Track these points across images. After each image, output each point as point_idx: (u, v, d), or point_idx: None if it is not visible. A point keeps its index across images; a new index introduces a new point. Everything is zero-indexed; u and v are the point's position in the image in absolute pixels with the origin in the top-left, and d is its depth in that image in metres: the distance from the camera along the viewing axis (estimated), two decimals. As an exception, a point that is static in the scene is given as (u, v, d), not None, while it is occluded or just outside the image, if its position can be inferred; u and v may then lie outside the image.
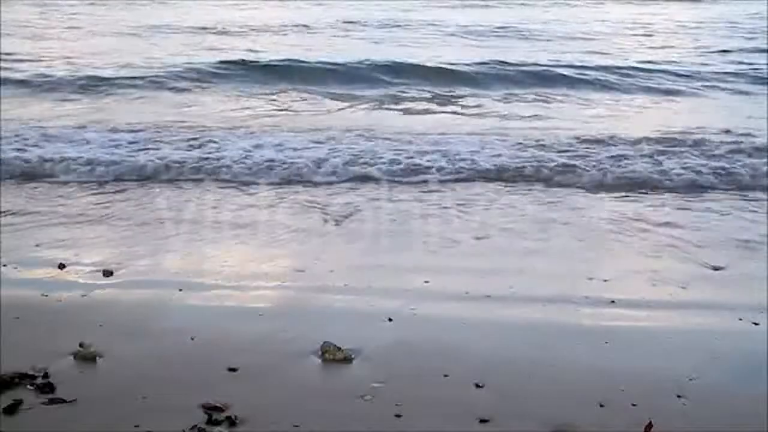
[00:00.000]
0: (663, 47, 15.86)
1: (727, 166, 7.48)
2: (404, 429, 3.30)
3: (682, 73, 12.79)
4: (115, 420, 3.31)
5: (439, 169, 7.40)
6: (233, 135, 8.54)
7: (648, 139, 8.39)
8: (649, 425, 3.27)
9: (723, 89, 11.94)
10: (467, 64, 13.00)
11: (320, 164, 7.48)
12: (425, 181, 7.15)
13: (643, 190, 6.98)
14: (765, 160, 7.64)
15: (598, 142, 8.33)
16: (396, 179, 7.22)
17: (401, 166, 7.49)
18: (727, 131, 8.77)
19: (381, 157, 7.66)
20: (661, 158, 7.73)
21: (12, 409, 3.35)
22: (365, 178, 7.24)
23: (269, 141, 8.25)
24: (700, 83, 12.17)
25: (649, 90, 11.86)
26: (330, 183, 7.12)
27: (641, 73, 12.67)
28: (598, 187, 7.11)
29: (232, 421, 3.30)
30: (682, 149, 8.05)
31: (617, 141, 8.36)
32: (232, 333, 4.19)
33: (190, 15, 20.36)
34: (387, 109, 10.61)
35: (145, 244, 5.60)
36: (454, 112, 10.50)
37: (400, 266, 5.30)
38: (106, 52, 14.24)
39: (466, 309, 4.56)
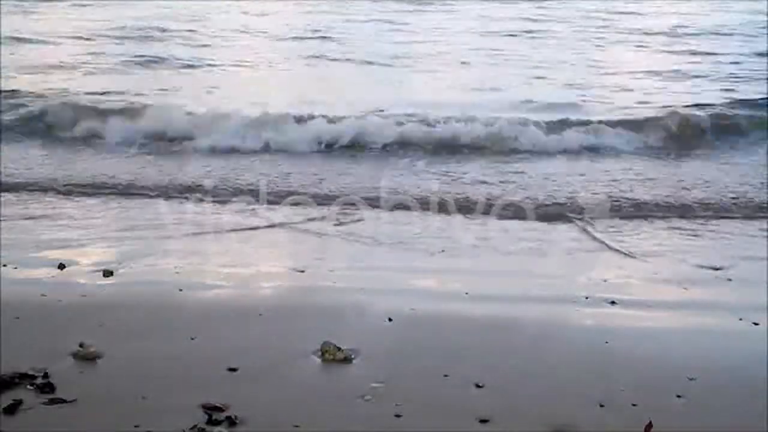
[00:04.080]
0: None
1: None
2: (404, 429, 3.30)
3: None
4: (115, 420, 3.31)
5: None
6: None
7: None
8: (649, 425, 3.27)
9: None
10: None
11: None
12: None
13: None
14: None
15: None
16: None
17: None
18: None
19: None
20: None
21: (12, 409, 3.35)
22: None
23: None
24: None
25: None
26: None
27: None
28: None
29: (232, 421, 3.30)
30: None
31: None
32: (232, 333, 4.19)
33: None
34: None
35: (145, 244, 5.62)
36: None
37: (400, 266, 5.32)
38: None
39: (466, 309, 4.56)
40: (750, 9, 18.68)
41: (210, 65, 12.94)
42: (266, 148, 8.39)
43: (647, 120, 9.19)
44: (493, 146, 8.46)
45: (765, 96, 10.24)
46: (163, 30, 15.62)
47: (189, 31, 15.76)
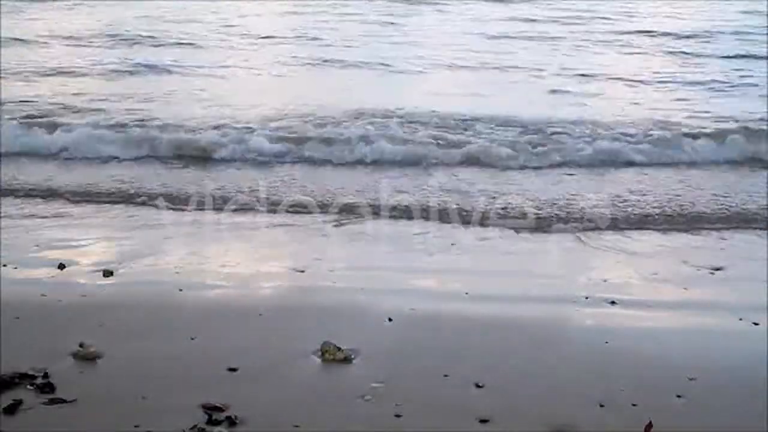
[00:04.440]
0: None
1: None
2: (404, 429, 3.30)
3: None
4: (115, 420, 3.31)
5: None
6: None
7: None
8: (649, 425, 3.27)
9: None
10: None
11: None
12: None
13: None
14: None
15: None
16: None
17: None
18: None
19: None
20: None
21: (12, 409, 3.35)
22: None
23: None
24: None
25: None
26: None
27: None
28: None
29: (232, 421, 3.30)
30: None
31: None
32: (232, 333, 4.19)
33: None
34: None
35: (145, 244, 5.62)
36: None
37: (400, 266, 5.32)
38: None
39: (466, 309, 4.56)
40: (746, 8, 18.37)
41: (198, 68, 12.45)
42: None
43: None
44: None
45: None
46: (152, 34, 15.21)
47: (182, 33, 15.41)
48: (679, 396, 3.58)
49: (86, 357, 3.84)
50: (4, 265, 5.08)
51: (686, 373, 3.78)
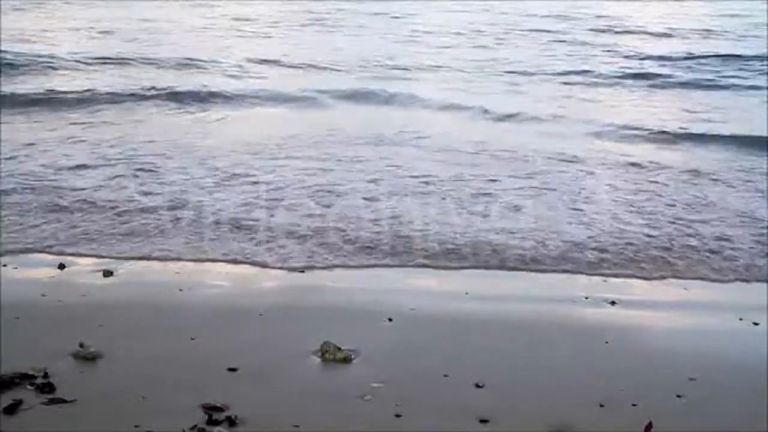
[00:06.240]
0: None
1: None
2: (404, 429, 3.30)
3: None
4: (115, 420, 3.31)
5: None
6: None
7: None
8: (649, 425, 3.28)
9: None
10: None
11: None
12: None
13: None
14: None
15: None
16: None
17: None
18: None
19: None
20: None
21: (12, 409, 3.35)
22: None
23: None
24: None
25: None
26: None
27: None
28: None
29: (232, 421, 3.30)
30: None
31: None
32: (232, 333, 4.19)
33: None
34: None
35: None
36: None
37: (400, 266, 5.32)
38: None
39: (466, 309, 4.56)
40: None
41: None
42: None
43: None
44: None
45: None
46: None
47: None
48: (679, 396, 3.58)
49: (86, 357, 3.84)
50: (4, 265, 5.09)
51: (686, 373, 3.78)
